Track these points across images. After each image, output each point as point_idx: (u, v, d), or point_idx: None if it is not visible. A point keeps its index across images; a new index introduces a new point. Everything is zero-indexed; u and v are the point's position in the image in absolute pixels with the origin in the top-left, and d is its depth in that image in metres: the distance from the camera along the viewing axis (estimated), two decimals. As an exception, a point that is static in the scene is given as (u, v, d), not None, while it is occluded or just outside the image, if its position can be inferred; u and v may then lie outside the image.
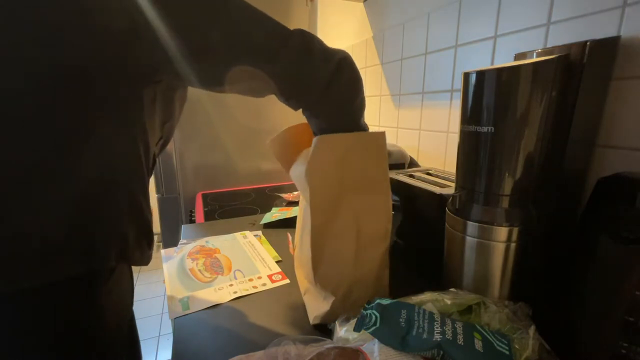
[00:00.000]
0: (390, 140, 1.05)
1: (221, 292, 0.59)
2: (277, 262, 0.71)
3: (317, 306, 0.51)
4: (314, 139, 0.46)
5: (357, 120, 0.49)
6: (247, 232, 0.87)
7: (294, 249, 0.70)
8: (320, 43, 0.44)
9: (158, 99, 0.47)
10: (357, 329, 0.38)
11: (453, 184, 0.57)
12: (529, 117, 0.42)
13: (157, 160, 0.54)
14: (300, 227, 0.59)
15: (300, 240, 0.59)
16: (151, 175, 0.51)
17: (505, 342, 0.37)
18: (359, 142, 0.48)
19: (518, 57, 0.57)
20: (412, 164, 0.96)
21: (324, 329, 0.48)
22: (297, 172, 0.50)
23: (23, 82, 0.35)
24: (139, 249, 0.49)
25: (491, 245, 0.46)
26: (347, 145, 0.47)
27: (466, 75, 0.45)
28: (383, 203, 0.51)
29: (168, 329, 1.91)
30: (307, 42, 0.43)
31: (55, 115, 0.37)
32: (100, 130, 0.40)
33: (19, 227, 0.38)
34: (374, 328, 0.37)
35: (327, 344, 0.38)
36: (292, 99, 0.46)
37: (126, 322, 0.53)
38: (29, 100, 0.36)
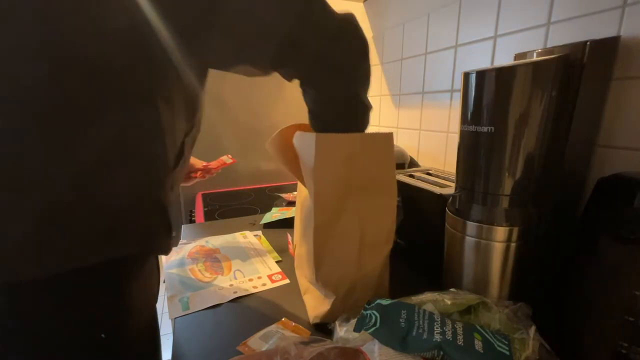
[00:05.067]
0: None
1: (221, 292, 0.59)
2: (277, 262, 0.71)
3: (317, 305, 0.51)
4: (314, 135, 0.44)
5: (358, 94, 0.45)
6: (247, 232, 0.87)
7: (293, 249, 0.70)
8: (322, 3, 0.40)
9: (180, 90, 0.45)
10: (357, 329, 0.38)
11: (453, 184, 0.57)
12: (529, 117, 0.42)
13: (186, 151, 0.51)
14: (302, 226, 0.59)
15: (301, 239, 0.58)
16: (178, 166, 0.50)
17: (506, 342, 0.37)
18: (366, 143, 0.47)
19: (518, 57, 0.57)
20: (412, 164, 0.96)
21: (324, 329, 0.48)
22: (305, 168, 0.49)
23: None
24: (159, 238, 0.48)
25: (491, 245, 0.46)
26: (353, 145, 0.46)
27: (466, 75, 0.45)
28: (388, 206, 0.50)
29: (168, 329, 1.91)
30: (306, 3, 0.39)
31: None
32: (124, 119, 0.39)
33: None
34: (374, 328, 0.37)
35: (327, 344, 0.38)
36: (284, 66, 0.42)
37: (150, 317, 0.52)
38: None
